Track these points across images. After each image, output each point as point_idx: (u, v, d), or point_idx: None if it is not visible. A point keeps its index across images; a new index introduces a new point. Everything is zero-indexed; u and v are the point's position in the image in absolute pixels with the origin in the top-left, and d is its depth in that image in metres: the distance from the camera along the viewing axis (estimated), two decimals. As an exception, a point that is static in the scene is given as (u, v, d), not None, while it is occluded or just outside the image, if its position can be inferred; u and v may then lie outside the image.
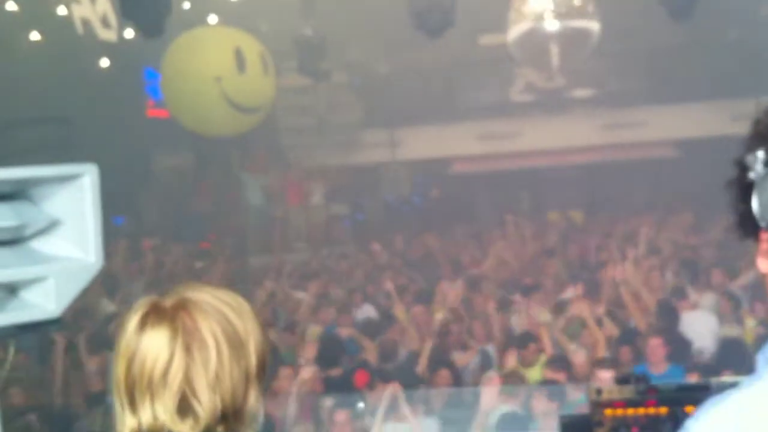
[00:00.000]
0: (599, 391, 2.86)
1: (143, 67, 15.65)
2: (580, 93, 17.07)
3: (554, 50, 12.90)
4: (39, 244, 2.33)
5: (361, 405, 7.06)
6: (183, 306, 1.66)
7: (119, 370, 1.64)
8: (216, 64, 13.32)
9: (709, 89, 15.67)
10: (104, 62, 15.29)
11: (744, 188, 1.36)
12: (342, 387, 7.48)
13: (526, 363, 7.63)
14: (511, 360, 7.75)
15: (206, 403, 1.60)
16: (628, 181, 17.61)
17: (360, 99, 17.56)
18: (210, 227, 16.59)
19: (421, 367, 7.98)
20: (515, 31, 12.96)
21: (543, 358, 7.63)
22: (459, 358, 8.12)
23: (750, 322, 8.38)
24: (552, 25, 12.65)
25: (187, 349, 1.61)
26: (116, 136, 13.98)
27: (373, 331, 9.04)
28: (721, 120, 16.20)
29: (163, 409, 1.59)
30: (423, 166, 18.47)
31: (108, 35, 14.00)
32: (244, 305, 1.72)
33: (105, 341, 8.93)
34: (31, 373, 8.52)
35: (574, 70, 15.13)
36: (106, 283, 10.62)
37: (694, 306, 8.87)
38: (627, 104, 16.66)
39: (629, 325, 8.44)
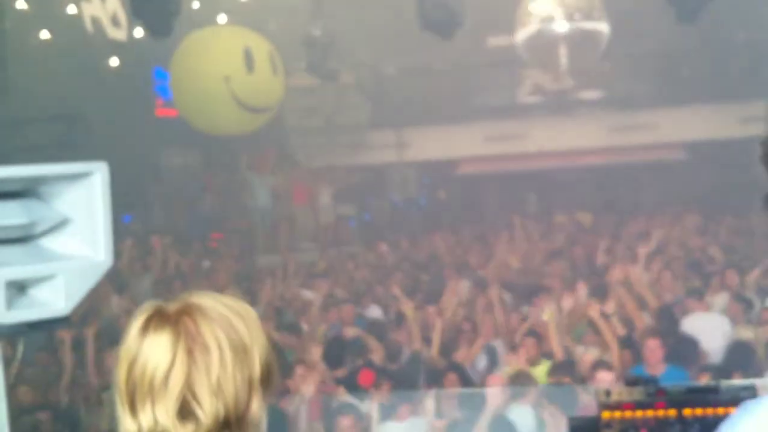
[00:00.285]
0: (608, 393, 2.85)
1: (152, 66, 15.68)
2: (589, 95, 17.04)
3: (562, 52, 12.90)
4: (49, 242, 2.34)
5: (364, 406, 7.07)
6: (186, 311, 1.65)
7: (120, 374, 1.63)
8: (225, 64, 13.34)
9: (717, 92, 15.63)
10: (114, 61, 15.33)
11: None
12: (347, 387, 7.49)
13: (532, 363, 7.62)
14: (519, 360, 7.74)
15: (208, 409, 1.59)
16: (636, 183, 17.58)
17: (368, 99, 17.56)
18: (217, 226, 16.63)
19: (430, 367, 7.98)
20: (523, 32, 12.96)
21: (546, 362, 7.63)
22: (467, 358, 8.11)
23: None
24: (560, 26, 12.65)
25: (190, 354, 1.60)
26: (125, 134, 14.01)
27: (379, 332, 9.04)
28: (730, 122, 16.16)
29: (164, 413, 1.58)
30: (430, 167, 18.46)
31: (117, 34, 14.05)
32: (250, 312, 1.71)
33: (113, 339, 8.97)
34: (40, 370, 8.54)
35: (582, 72, 15.11)
36: (113, 281, 10.65)
37: (705, 308, 8.84)
38: (635, 106, 16.62)
39: (634, 326, 8.42)
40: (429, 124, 17.45)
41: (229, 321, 1.65)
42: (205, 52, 13.49)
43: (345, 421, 6.78)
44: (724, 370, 6.84)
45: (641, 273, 9.85)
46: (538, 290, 9.73)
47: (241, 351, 1.64)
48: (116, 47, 14.68)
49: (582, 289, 9.60)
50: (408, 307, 8.97)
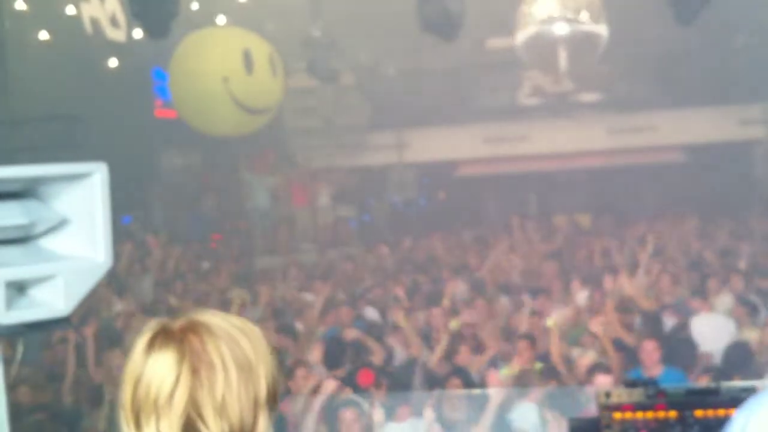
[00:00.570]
0: (608, 395, 2.85)
1: (152, 67, 15.69)
2: (588, 97, 17.04)
3: (562, 54, 12.90)
4: (48, 243, 2.33)
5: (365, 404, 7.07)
6: (192, 328, 1.63)
7: (126, 392, 1.62)
8: (224, 65, 13.34)
9: (717, 94, 15.65)
10: (113, 62, 15.33)
11: None
12: (346, 386, 7.48)
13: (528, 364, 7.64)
14: (518, 360, 7.74)
15: (213, 428, 1.57)
16: (635, 185, 17.58)
17: (367, 101, 17.57)
18: (216, 227, 16.63)
19: (428, 370, 7.97)
20: (523, 34, 12.96)
21: (538, 365, 7.64)
22: (467, 359, 8.10)
23: None
24: (560, 28, 12.65)
25: (195, 372, 1.58)
26: (124, 135, 14.01)
27: (377, 334, 9.04)
28: (729, 125, 16.19)
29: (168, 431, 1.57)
30: (430, 169, 18.47)
31: (117, 35, 14.05)
32: (255, 330, 1.69)
33: (112, 339, 8.97)
34: (41, 370, 8.54)
35: (581, 74, 15.11)
36: (112, 282, 10.64)
37: (709, 308, 8.85)
38: (635, 108, 16.64)
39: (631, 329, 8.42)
40: (429, 126, 17.47)
41: (235, 339, 1.64)
42: (204, 53, 13.49)
43: (348, 414, 6.79)
44: (724, 372, 6.85)
45: (641, 276, 9.86)
46: (536, 292, 9.73)
47: (246, 369, 1.62)
48: (115, 48, 14.68)
49: (580, 293, 9.62)
50: (399, 316, 8.95)
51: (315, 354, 8.36)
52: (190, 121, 13.92)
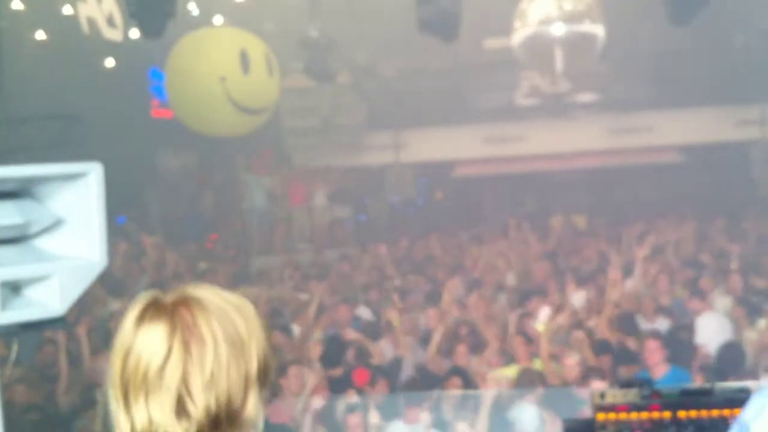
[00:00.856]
0: (603, 395, 2.85)
1: (148, 67, 15.67)
2: (585, 97, 17.04)
3: (559, 54, 12.91)
4: (43, 243, 2.33)
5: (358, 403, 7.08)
6: (184, 302, 1.59)
7: (115, 366, 1.57)
8: (221, 65, 13.33)
9: (714, 95, 15.66)
10: (109, 62, 15.31)
11: None
12: (343, 386, 7.49)
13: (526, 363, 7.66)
14: (517, 360, 7.76)
15: (200, 404, 1.53)
16: (632, 185, 17.61)
17: (365, 101, 17.57)
18: (213, 227, 16.61)
19: (424, 369, 7.98)
20: (520, 34, 12.97)
21: (514, 366, 7.67)
22: (465, 359, 8.11)
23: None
24: (557, 29, 12.65)
25: (186, 346, 1.54)
26: (121, 135, 13.99)
27: (372, 334, 9.04)
28: (726, 125, 16.20)
29: (159, 409, 1.53)
30: (427, 169, 18.48)
31: (113, 35, 14.04)
32: (249, 307, 1.65)
33: (107, 339, 8.95)
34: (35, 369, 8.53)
35: (578, 75, 15.13)
36: (107, 282, 10.62)
37: (708, 308, 8.87)
38: (632, 109, 16.65)
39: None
40: (426, 126, 17.47)
41: (227, 314, 1.60)
42: (201, 53, 13.49)
43: (353, 419, 6.78)
44: (718, 371, 6.85)
45: (638, 276, 9.88)
46: (532, 292, 9.74)
47: (237, 345, 1.58)
48: (112, 48, 14.66)
49: (575, 294, 9.62)
50: (393, 315, 8.95)
51: (312, 354, 8.36)
52: (187, 122, 13.91)
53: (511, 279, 11.53)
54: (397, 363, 8.39)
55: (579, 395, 6.68)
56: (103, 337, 8.80)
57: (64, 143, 12.64)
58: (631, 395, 2.80)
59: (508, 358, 8.05)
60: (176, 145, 16.58)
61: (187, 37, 13.62)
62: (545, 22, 12.66)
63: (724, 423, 2.72)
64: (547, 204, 17.83)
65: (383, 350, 8.66)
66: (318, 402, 7.19)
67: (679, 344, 7.95)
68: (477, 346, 8.38)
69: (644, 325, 8.69)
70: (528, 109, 17.16)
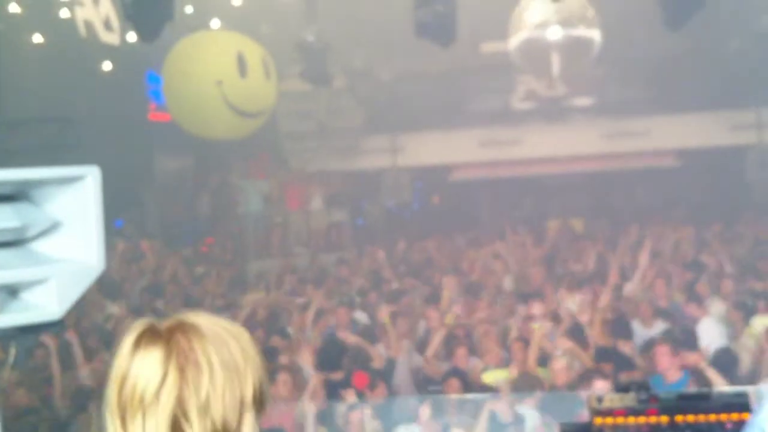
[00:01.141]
0: (600, 399, 2.85)
1: (145, 70, 15.66)
2: (581, 101, 17.09)
3: (555, 58, 12.92)
4: (41, 246, 2.33)
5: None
6: (179, 328, 1.63)
7: (112, 390, 1.61)
8: (218, 69, 13.33)
9: (709, 99, 15.69)
10: (107, 65, 15.31)
11: None
12: (343, 390, 7.48)
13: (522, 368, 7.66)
14: (514, 364, 7.75)
15: (196, 427, 1.56)
16: (628, 189, 17.63)
17: (361, 104, 17.57)
18: (210, 231, 16.60)
19: (420, 372, 7.98)
20: (517, 38, 12.98)
21: (504, 370, 7.68)
22: (463, 363, 8.11)
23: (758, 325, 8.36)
24: (553, 33, 12.67)
25: (181, 371, 1.58)
26: (118, 138, 13.98)
27: (369, 337, 9.04)
28: (722, 130, 16.23)
29: (154, 430, 1.56)
30: (424, 173, 18.48)
31: (110, 38, 14.02)
32: (244, 333, 1.69)
33: (104, 342, 8.93)
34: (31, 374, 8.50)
35: (575, 79, 15.15)
36: (105, 285, 10.61)
37: (705, 313, 8.87)
38: (628, 113, 16.68)
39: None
40: (423, 129, 17.48)
41: (223, 340, 1.64)
42: (198, 57, 13.48)
43: (356, 416, 6.80)
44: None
45: (637, 280, 9.89)
46: (528, 296, 9.74)
47: (233, 370, 1.62)
48: (109, 51, 14.65)
49: (571, 297, 9.62)
50: (385, 317, 8.94)
51: (307, 358, 8.35)
52: (184, 125, 13.90)
53: (508, 282, 11.53)
54: (390, 365, 8.39)
55: (581, 398, 6.66)
56: (102, 341, 8.78)
57: (61, 146, 12.63)
58: (629, 399, 2.80)
59: (506, 362, 8.04)
60: (173, 149, 16.57)
61: (185, 41, 13.62)
62: (542, 27, 12.67)
63: (721, 428, 2.72)
64: (543, 207, 17.85)
65: (381, 353, 8.66)
66: (318, 406, 7.18)
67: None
68: (474, 349, 8.38)
69: (642, 329, 8.69)
70: (525, 112, 17.19)
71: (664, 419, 2.75)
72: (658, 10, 10.85)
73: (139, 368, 1.59)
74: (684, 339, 8.04)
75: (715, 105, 15.88)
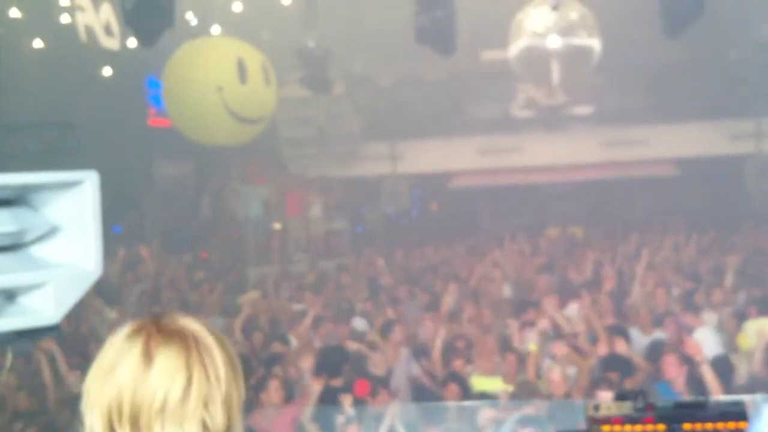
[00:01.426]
0: (597, 407, 2.85)
1: (145, 75, 15.68)
2: (581, 110, 17.12)
3: (555, 67, 12.94)
4: (38, 250, 2.32)
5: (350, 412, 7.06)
6: (179, 333, 1.65)
7: (110, 401, 1.60)
8: (218, 74, 13.35)
9: (708, 108, 15.73)
10: (107, 70, 15.32)
11: None
12: (343, 396, 7.47)
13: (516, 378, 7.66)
14: (508, 375, 7.74)
15: (220, 425, 1.59)
16: (628, 198, 17.64)
17: (361, 111, 17.60)
18: (209, 237, 16.59)
19: (417, 381, 7.97)
20: (516, 46, 13.00)
21: (497, 379, 7.67)
22: (462, 369, 8.10)
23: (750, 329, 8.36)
24: (553, 41, 12.69)
25: (203, 369, 1.61)
26: (117, 143, 13.99)
27: (370, 344, 9.02)
28: (721, 139, 16.26)
29: None
30: (423, 180, 18.50)
31: (111, 43, 14.05)
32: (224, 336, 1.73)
33: (101, 348, 8.89)
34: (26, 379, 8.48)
35: (574, 87, 15.18)
36: (103, 290, 10.60)
37: (701, 322, 8.87)
38: (627, 122, 16.71)
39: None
40: (422, 137, 17.51)
41: (222, 341, 1.67)
42: (198, 63, 13.51)
43: (352, 429, 6.79)
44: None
45: (636, 289, 9.89)
46: (527, 305, 9.73)
47: (236, 369, 1.67)
48: (109, 56, 14.67)
49: (569, 306, 9.62)
50: (374, 335, 8.94)
51: (306, 364, 8.33)
52: (184, 130, 13.91)
53: (507, 290, 11.52)
54: (388, 372, 8.38)
55: (580, 407, 6.64)
56: (99, 346, 8.74)
57: (60, 151, 12.63)
58: (626, 407, 2.80)
59: (499, 369, 8.03)
60: (173, 154, 16.58)
61: (185, 47, 13.64)
62: (542, 35, 12.69)
63: (718, 436, 2.72)
64: (542, 216, 17.86)
65: (381, 360, 8.63)
66: (318, 412, 7.17)
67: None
68: (473, 358, 8.37)
69: (641, 337, 8.69)
70: (524, 120, 17.22)
71: (660, 427, 2.75)
72: (657, 18, 10.88)
73: (156, 377, 1.58)
74: (681, 348, 8.04)
75: (715, 114, 15.91)
